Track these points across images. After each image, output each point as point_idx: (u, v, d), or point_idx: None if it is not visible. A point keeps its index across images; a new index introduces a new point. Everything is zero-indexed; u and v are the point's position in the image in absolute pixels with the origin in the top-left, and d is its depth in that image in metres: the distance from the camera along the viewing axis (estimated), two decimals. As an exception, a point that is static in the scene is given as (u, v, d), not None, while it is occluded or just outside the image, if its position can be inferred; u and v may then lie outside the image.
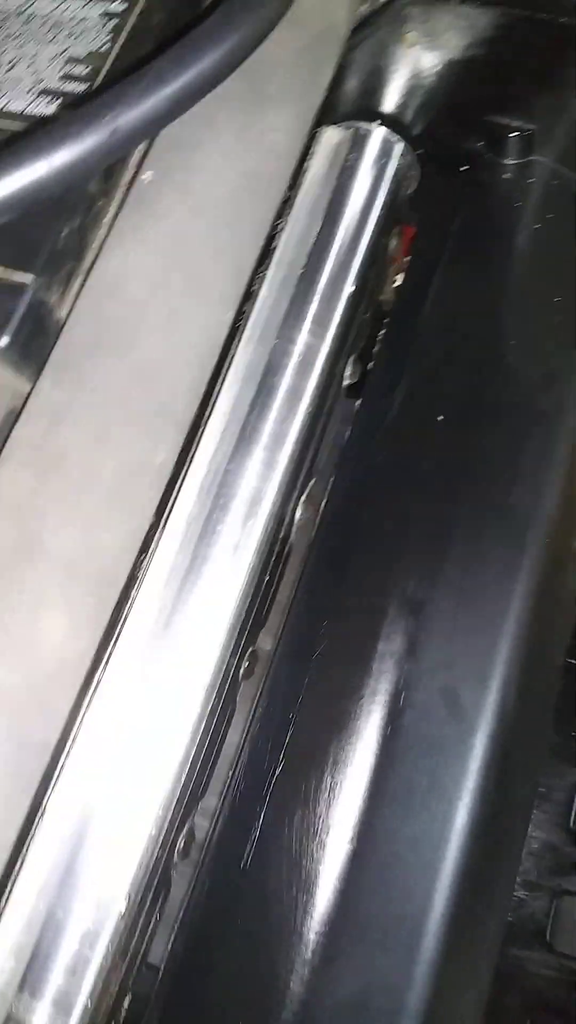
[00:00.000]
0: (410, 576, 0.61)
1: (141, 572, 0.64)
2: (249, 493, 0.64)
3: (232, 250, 0.48)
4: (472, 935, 0.58)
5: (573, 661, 1.17)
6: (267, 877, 0.54)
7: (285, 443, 0.66)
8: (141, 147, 0.54)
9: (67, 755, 0.57)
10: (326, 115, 0.77)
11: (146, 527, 0.50)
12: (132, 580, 0.53)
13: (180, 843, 0.59)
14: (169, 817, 0.56)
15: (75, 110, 0.43)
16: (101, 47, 0.55)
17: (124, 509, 0.45)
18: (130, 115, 0.42)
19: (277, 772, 0.56)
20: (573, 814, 1.14)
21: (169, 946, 0.55)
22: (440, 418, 0.64)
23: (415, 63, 0.76)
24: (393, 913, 0.53)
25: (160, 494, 0.49)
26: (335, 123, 0.76)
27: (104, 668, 0.60)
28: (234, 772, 0.58)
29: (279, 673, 0.61)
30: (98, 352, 0.45)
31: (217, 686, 0.60)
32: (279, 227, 0.73)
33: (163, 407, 0.46)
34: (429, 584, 0.60)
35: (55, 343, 0.46)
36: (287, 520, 0.68)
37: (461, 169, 0.74)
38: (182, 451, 0.54)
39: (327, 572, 0.63)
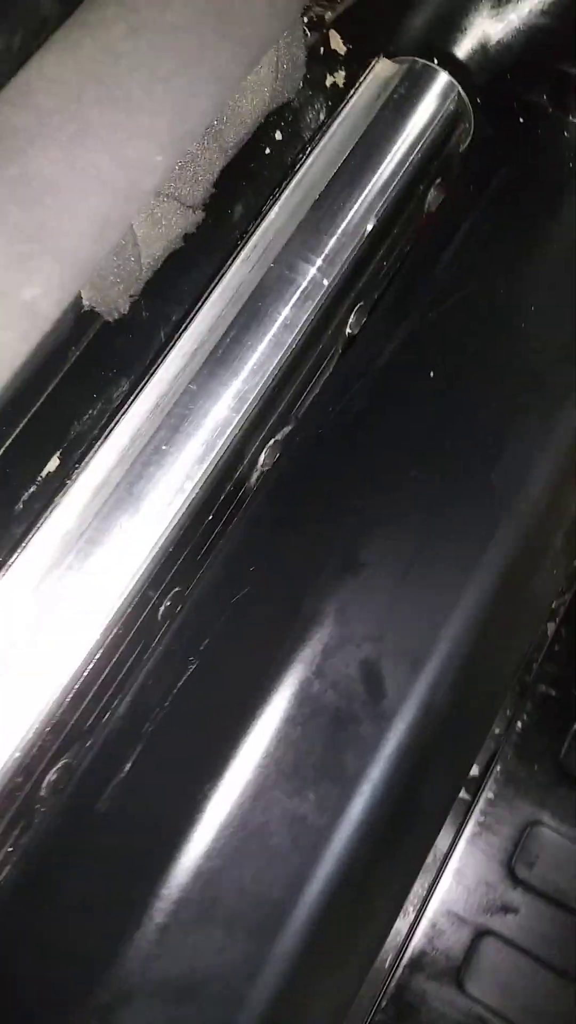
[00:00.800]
0: (358, 535, 0.55)
1: (68, 482, 0.59)
2: (209, 420, 0.59)
3: (176, 87, 0.42)
4: (342, 940, 0.51)
5: (547, 688, 1.10)
6: (123, 824, 0.49)
7: (262, 375, 0.60)
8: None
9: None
10: (384, 46, 0.71)
11: (7, 375, 0.43)
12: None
13: (51, 776, 0.53)
14: (40, 744, 0.51)
15: None
16: None
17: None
18: None
19: (160, 715, 0.50)
20: (516, 853, 1.07)
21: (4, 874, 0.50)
22: (431, 375, 0.57)
23: (491, 4, 0.70)
24: (254, 895, 0.47)
25: (30, 340, 0.42)
26: (392, 56, 0.70)
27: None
28: (118, 706, 0.52)
29: (190, 614, 0.55)
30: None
31: (124, 620, 0.55)
32: (307, 150, 0.68)
33: (44, 234, 0.39)
34: (376, 548, 0.54)
35: None
36: (248, 461, 0.63)
37: (518, 122, 0.67)
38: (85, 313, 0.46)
39: (270, 516, 0.57)
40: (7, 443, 0.63)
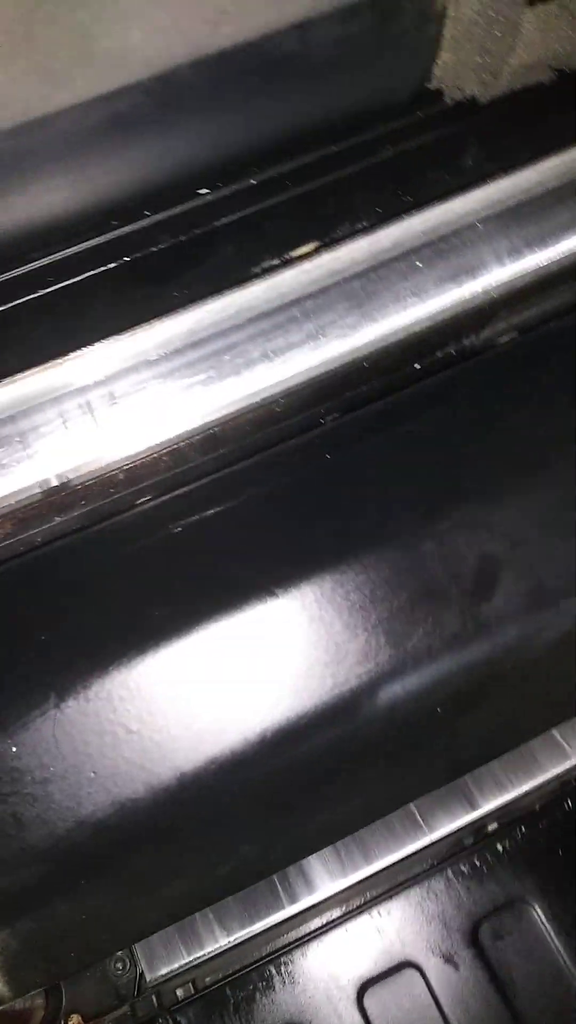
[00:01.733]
0: (563, 438, 0.48)
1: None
2: (478, 266, 0.54)
3: None
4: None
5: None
6: (178, 554, 0.45)
7: (560, 252, 0.54)
8: None
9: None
10: None
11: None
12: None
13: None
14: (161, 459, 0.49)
15: None
16: None
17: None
18: None
19: (272, 484, 0.46)
20: (491, 917, 0.97)
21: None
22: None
23: None
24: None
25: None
26: None
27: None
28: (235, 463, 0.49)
29: (351, 417, 0.50)
30: None
31: (297, 398, 0.51)
32: None
33: None
34: (571, 462, 0.48)
35: None
36: (498, 331, 0.57)
37: None
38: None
39: (485, 380, 0.52)
40: (274, 200, 0.61)
